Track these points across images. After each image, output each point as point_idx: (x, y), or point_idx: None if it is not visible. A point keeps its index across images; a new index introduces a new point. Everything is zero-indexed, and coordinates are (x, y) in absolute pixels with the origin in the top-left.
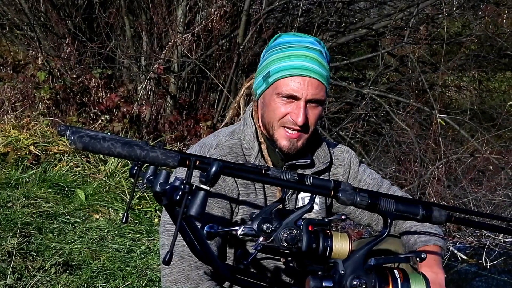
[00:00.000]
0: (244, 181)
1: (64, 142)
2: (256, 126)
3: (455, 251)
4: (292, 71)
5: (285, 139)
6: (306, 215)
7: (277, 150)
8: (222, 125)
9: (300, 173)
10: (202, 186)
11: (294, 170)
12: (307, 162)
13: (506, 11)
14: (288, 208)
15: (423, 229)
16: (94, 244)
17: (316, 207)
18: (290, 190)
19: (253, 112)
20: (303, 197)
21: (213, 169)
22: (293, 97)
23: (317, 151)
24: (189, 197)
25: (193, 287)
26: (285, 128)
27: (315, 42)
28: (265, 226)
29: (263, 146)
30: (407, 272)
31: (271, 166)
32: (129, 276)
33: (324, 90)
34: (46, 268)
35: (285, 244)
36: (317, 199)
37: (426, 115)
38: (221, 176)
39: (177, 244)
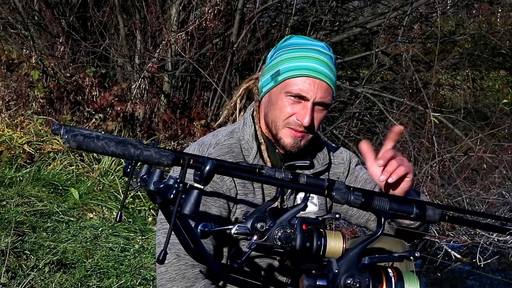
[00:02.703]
0: (243, 181)
1: (58, 141)
2: (256, 127)
3: (449, 250)
4: (304, 71)
5: (289, 137)
6: (303, 214)
7: (277, 150)
8: (216, 125)
9: (295, 172)
10: (196, 185)
11: (293, 171)
12: (306, 163)
13: (500, 10)
14: (283, 207)
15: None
16: (88, 243)
17: (314, 208)
18: (289, 190)
19: (254, 112)
20: (302, 197)
21: (207, 168)
22: (301, 97)
23: (317, 153)
24: (183, 196)
25: (188, 286)
26: (290, 128)
27: (325, 47)
28: (259, 225)
29: (263, 147)
30: (401, 271)
31: (270, 166)
32: (123, 275)
33: (331, 94)
34: (40, 267)
35: (279, 243)
36: (316, 200)
37: (420, 114)
38: (220, 175)
39: (173, 243)
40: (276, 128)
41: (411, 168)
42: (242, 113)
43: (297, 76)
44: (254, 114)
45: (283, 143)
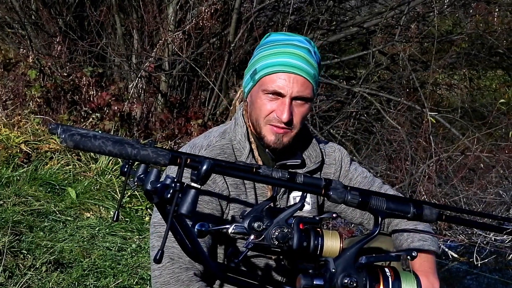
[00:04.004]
0: (235, 182)
1: (55, 141)
2: (247, 126)
3: (446, 249)
4: (278, 67)
5: (271, 134)
6: (297, 213)
7: (267, 150)
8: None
9: (291, 171)
10: (193, 184)
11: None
12: (297, 162)
13: (497, 9)
14: (275, 207)
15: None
16: (85, 242)
17: (307, 207)
18: (282, 189)
19: (244, 112)
20: (295, 197)
21: (204, 167)
22: (278, 94)
23: (308, 151)
24: (180, 195)
25: None
26: (271, 125)
27: (304, 41)
28: (256, 224)
29: (254, 146)
30: (398, 271)
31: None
32: (120, 274)
33: (310, 88)
34: (37, 266)
35: (276, 242)
36: (308, 199)
37: (417, 113)
38: (212, 177)
39: (167, 246)
40: (259, 127)
41: None
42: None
43: (272, 73)
44: (243, 114)
45: (266, 140)
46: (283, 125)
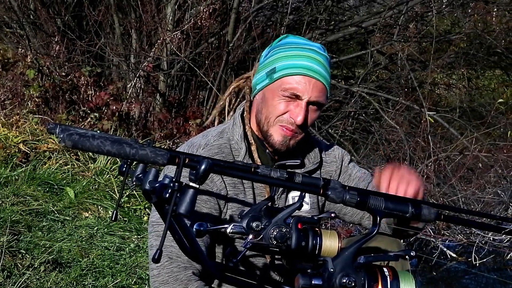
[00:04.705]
0: (233, 182)
1: (54, 140)
2: (246, 127)
3: (445, 249)
4: (300, 70)
5: (279, 135)
6: (296, 213)
7: (267, 150)
8: (205, 123)
9: (290, 171)
10: (191, 184)
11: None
12: (297, 162)
13: (495, 9)
14: (274, 206)
15: None
16: (84, 242)
17: (306, 207)
18: (280, 189)
19: (244, 113)
20: (294, 197)
21: (203, 167)
22: (296, 96)
23: (307, 151)
24: (178, 195)
25: None
26: (281, 126)
27: (321, 48)
28: (254, 224)
29: (253, 148)
30: (397, 270)
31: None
32: (119, 274)
33: (326, 95)
34: (36, 266)
35: (275, 242)
36: (307, 199)
37: (415, 113)
38: (210, 176)
39: (165, 245)
40: (268, 125)
41: (419, 183)
42: (232, 113)
43: (293, 74)
44: (244, 115)
45: (272, 140)
46: (293, 128)
